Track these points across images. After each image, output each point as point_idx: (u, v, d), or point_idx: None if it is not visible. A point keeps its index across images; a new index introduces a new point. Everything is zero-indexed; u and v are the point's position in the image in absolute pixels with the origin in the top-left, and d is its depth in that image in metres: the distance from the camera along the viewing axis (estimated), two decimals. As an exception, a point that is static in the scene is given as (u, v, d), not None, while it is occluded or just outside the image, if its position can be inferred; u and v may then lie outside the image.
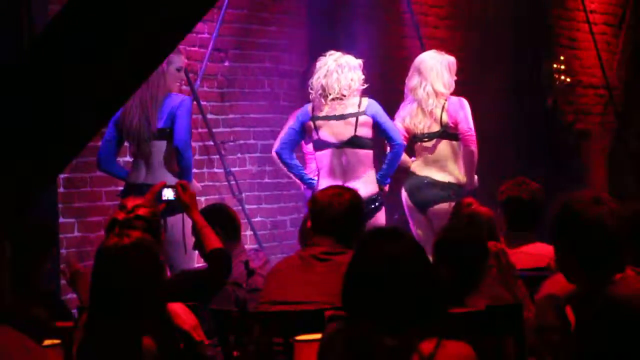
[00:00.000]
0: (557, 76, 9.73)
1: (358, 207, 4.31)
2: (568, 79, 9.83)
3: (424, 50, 6.78)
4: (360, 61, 6.13)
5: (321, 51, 6.22)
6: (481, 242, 4.01)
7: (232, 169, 7.17)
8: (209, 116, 7.05)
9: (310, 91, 6.10)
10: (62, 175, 5.99)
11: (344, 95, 6.02)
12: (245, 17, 7.34)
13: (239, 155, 7.30)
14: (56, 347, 3.35)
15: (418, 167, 6.38)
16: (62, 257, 5.77)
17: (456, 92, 6.47)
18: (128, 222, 4.15)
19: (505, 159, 8.98)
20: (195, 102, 6.89)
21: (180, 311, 3.58)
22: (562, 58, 9.91)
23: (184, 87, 6.85)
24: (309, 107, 6.14)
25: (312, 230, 4.31)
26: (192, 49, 6.97)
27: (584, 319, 2.79)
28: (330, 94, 6.01)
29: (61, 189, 6.11)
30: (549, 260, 4.46)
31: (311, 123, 6.08)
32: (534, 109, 9.47)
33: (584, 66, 10.42)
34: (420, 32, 8.41)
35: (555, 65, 9.75)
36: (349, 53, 6.19)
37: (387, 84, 7.58)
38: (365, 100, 6.06)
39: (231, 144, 7.25)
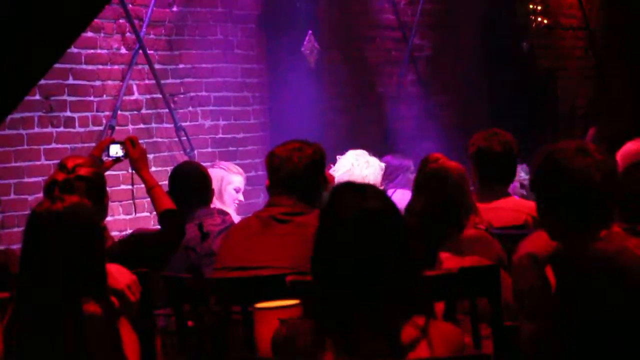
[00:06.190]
0: (533, 18, 9.69)
1: (321, 162, 4.15)
2: (545, 21, 9.79)
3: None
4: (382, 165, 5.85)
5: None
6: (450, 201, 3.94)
7: (183, 124, 7.00)
8: (157, 66, 6.86)
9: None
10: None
11: None
12: (195, -43, 7.11)
13: (190, 108, 7.13)
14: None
15: None
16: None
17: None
18: (68, 183, 4.04)
19: (478, 108, 8.91)
20: (141, 52, 6.70)
21: (112, 270, 3.47)
22: (538, -2, 9.90)
23: (128, 34, 6.61)
24: None
25: (270, 189, 4.16)
26: (137, -7, 6.73)
27: (567, 279, 2.66)
28: None
29: (-4, 148, 5.89)
30: (527, 217, 4.37)
31: None
32: (508, 53, 9.42)
33: (563, 6, 10.44)
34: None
35: (531, 6, 9.73)
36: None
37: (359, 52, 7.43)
38: None
39: (181, 96, 7.06)
